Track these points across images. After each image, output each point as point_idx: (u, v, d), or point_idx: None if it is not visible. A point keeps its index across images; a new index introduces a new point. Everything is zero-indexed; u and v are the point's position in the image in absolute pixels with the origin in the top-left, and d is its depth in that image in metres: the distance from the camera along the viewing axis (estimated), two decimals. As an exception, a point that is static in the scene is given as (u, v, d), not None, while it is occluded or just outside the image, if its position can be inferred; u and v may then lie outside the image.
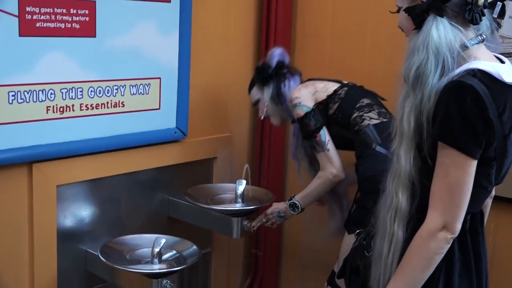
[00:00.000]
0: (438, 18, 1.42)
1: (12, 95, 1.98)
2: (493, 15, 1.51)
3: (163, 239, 2.08)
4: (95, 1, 2.14)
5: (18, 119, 2.01)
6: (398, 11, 1.55)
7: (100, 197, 2.33)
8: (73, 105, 2.15)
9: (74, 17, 2.09)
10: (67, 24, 2.08)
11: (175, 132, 2.53)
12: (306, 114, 2.32)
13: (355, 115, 2.29)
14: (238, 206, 2.48)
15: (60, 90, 2.11)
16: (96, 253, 2.13)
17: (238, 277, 3.11)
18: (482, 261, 1.56)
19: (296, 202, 2.38)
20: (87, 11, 2.13)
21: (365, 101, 2.32)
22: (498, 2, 1.49)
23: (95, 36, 2.17)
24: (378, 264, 1.54)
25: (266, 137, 2.99)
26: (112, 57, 2.24)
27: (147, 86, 2.40)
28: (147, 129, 2.42)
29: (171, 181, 2.61)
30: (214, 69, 2.74)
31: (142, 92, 2.38)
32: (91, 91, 2.20)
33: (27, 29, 1.97)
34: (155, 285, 2.02)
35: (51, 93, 2.09)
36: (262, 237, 3.06)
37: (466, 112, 1.35)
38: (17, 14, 1.94)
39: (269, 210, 2.47)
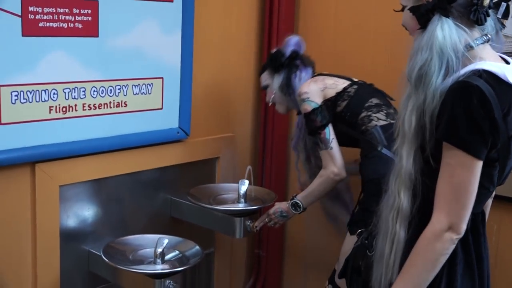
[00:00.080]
0: (443, 18, 1.41)
1: (15, 95, 1.98)
2: (498, 16, 1.50)
3: (165, 239, 2.08)
4: (98, 1, 2.14)
5: (20, 119, 2.00)
6: (402, 10, 1.55)
7: (103, 197, 2.33)
8: (75, 105, 2.15)
9: (76, 16, 2.09)
10: (69, 24, 2.08)
11: (178, 132, 2.53)
12: (314, 110, 2.31)
13: (363, 114, 2.28)
14: (240, 206, 2.48)
15: (63, 90, 2.11)
16: (99, 254, 2.14)
17: (241, 277, 3.11)
18: (484, 262, 1.56)
19: (298, 201, 2.38)
20: (89, 11, 2.13)
21: (374, 100, 2.30)
22: (503, 3, 1.48)
23: (97, 36, 2.16)
24: (379, 264, 1.54)
25: (268, 137, 2.98)
26: (115, 57, 2.24)
27: (150, 86, 2.39)
28: (150, 129, 2.42)
29: (173, 181, 2.60)
30: (217, 69, 2.74)
31: (145, 92, 2.38)
32: (94, 91, 2.20)
33: (29, 29, 1.97)
34: (158, 285, 2.02)
35: (54, 93, 2.08)
36: (265, 237, 3.06)
37: (472, 113, 1.34)
38: (20, 14, 1.94)
39: (271, 210, 2.47)
